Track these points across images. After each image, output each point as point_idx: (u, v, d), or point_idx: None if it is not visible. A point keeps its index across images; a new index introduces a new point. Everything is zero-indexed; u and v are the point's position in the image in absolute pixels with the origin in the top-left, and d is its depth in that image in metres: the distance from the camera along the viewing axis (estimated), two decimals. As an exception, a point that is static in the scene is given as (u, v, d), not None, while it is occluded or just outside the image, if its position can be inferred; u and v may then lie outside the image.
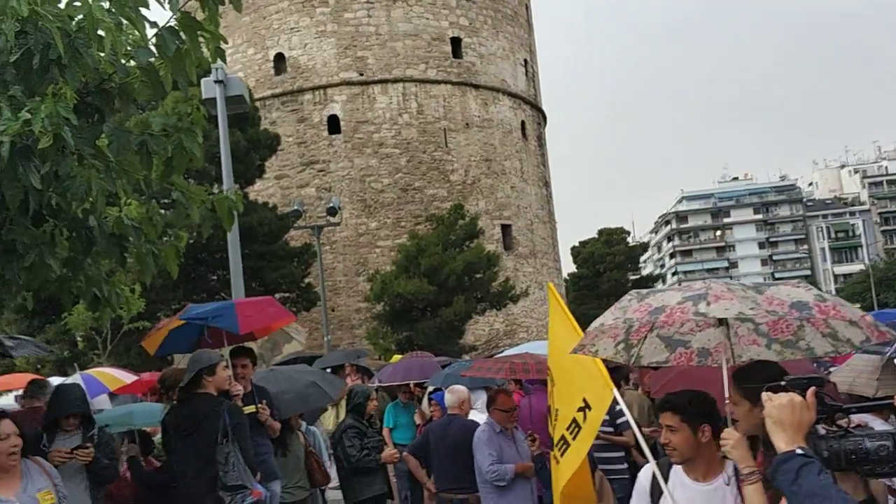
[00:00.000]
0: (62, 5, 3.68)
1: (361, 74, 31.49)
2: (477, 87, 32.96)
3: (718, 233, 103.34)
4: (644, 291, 3.33)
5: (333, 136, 31.35)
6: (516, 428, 6.05)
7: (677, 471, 3.14)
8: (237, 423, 5.08)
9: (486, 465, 5.69)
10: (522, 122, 35.19)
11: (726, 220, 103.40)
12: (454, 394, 6.62)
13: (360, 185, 31.08)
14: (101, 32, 3.59)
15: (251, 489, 5.00)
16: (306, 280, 25.08)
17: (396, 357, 15.23)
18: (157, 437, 6.49)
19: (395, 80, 31.57)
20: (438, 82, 32.13)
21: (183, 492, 5.13)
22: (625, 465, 6.49)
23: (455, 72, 32.60)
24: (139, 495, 6.10)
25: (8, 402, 10.01)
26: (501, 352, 13.35)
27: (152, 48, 3.84)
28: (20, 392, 7.83)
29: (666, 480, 3.13)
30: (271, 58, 32.33)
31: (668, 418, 3.07)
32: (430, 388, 9.11)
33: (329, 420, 9.16)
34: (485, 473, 5.72)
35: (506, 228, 33.14)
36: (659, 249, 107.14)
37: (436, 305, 24.11)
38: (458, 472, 6.17)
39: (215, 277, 22.55)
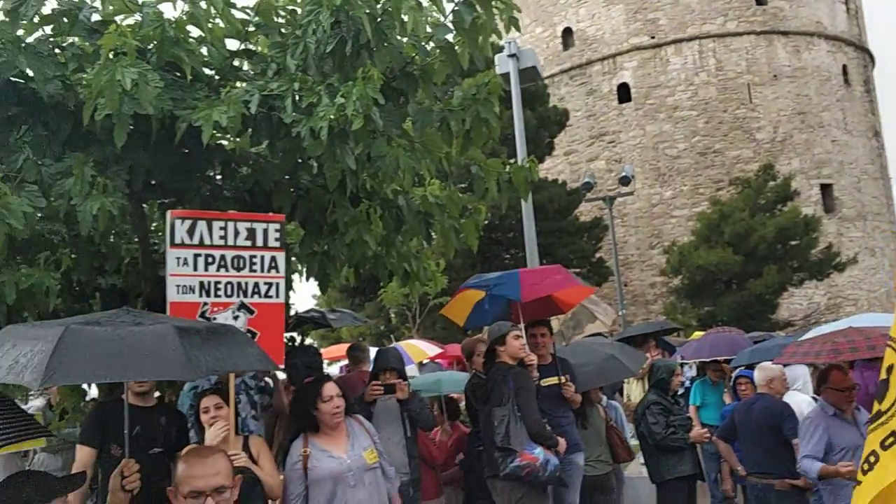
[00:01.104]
0: (368, -10, 3.91)
1: (653, 37, 30.20)
2: (786, 33, 29.74)
3: None
4: None
5: (623, 105, 30.56)
6: (858, 409, 5.28)
7: None
8: (520, 388, 5.11)
9: (800, 455, 5.11)
10: (844, 67, 31.03)
11: None
12: (763, 371, 6.25)
13: (653, 153, 29.92)
14: (403, 15, 3.75)
15: (521, 452, 4.98)
16: (597, 255, 24.81)
17: (697, 333, 14.36)
18: (463, 404, 6.88)
19: (690, 39, 29.75)
20: (740, 34, 29.60)
21: (485, 456, 5.27)
22: None
23: (759, 20, 29.76)
24: (448, 456, 6.48)
25: (335, 371, 11.36)
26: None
27: (449, 24, 3.92)
28: (345, 363, 8.69)
29: None
30: (559, 33, 32.40)
31: None
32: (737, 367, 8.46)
33: (635, 394, 8.91)
34: (798, 464, 5.14)
35: (826, 188, 29.56)
36: None
37: (742, 277, 22.30)
38: (762, 455, 5.77)
39: (508, 256, 23.28)
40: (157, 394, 5.08)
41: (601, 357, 6.90)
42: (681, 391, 7.56)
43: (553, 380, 5.73)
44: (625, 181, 22.92)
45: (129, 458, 2.94)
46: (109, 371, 2.66)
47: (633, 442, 7.65)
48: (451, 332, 16.00)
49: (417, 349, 10.72)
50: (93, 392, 7.36)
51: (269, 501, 4.20)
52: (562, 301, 6.47)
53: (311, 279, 5.93)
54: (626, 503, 7.61)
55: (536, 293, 5.86)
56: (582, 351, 6.90)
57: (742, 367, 7.76)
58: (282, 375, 5.89)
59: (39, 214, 4.15)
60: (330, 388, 4.24)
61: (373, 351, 6.69)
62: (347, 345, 7.90)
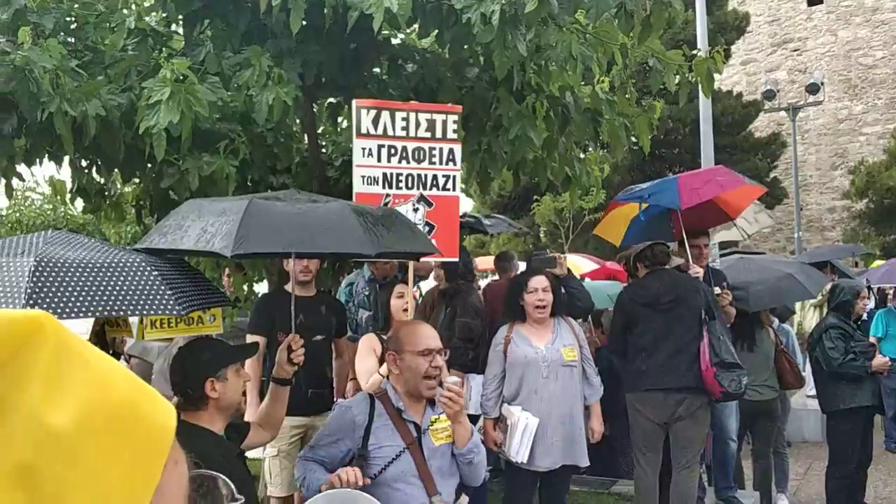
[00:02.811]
0: None
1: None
2: None
3: None
4: None
5: (814, 9, 27.55)
6: None
7: None
8: (711, 303, 4.83)
9: None
10: None
11: None
12: None
13: (845, 63, 26.96)
14: None
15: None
16: (772, 174, 23.06)
17: (877, 263, 13.01)
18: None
19: (899, -71, 26.14)
20: (962, -77, 25.64)
21: (657, 367, 4.89)
22: None
23: None
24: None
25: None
26: None
27: None
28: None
29: None
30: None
31: None
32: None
33: (809, 321, 8.31)
34: None
35: None
36: None
37: (938, 203, 20.11)
38: None
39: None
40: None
41: (777, 276, 6.39)
42: (864, 316, 6.90)
43: None
44: (813, 88, 20.82)
45: (295, 334, 3.08)
46: (297, 241, 2.73)
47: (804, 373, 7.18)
48: (602, 253, 15.59)
49: (573, 263, 10.53)
50: (262, 287, 7.84)
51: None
52: (728, 204, 5.80)
53: (468, 190, 5.87)
54: (790, 433, 7.22)
55: (699, 198, 5.21)
56: (756, 268, 6.45)
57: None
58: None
59: (218, 115, 4.34)
60: (536, 282, 4.37)
61: (522, 265, 6.60)
62: (492, 257, 7.87)
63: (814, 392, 6.48)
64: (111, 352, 8.20)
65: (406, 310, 4.25)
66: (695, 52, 4.85)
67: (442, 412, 2.89)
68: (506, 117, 4.68)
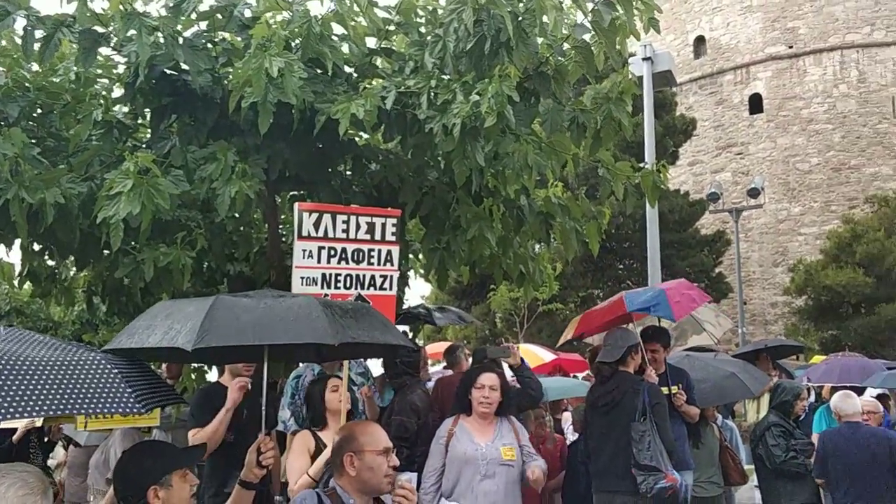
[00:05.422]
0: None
1: (790, 47, 28.73)
2: (940, 44, 27.65)
3: None
4: None
5: (755, 116, 29.21)
6: None
7: None
8: (657, 403, 4.95)
9: None
10: None
11: None
12: (851, 399, 5.89)
13: (783, 167, 28.44)
14: (544, 16, 3.76)
15: (665, 473, 4.80)
16: (717, 270, 23.84)
17: (817, 358, 13.47)
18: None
19: (832, 49, 28.09)
20: (887, 45, 27.71)
21: (599, 468, 5.11)
22: None
23: (910, 30, 27.80)
24: (554, 466, 6.39)
25: (436, 369, 11.34)
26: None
27: (587, 24, 3.89)
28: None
29: None
30: (691, 42, 31.42)
31: None
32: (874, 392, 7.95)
33: (751, 415, 8.49)
34: None
35: (977, 210, 27.26)
36: None
37: (872, 301, 20.86)
38: (868, 485, 5.51)
39: (622, 266, 22.76)
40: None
41: (721, 374, 6.60)
42: (801, 416, 7.11)
43: (663, 390, 5.54)
44: (754, 193, 21.88)
45: (265, 434, 3.06)
46: (258, 334, 2.76)
47: (747, 466, 7.30)
48: (556, 341, 15.79)
49: (532, 354, 10.60)
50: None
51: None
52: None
53: (427, 277, 6.01)
54: (737, 528, 7.28)
55: (684, 310, 5.67)
56: (700, 366, 6.63)
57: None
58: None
59: (179, 202, 4.41)
60: (486, 378, 4.40)
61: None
62: (447, 343, 7.89)
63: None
64: (46, 439, 7.91)
65: (342, 401, 4.22)
66: (642, 164, 5.14)
67: None
68: (464, 218, 4.86)
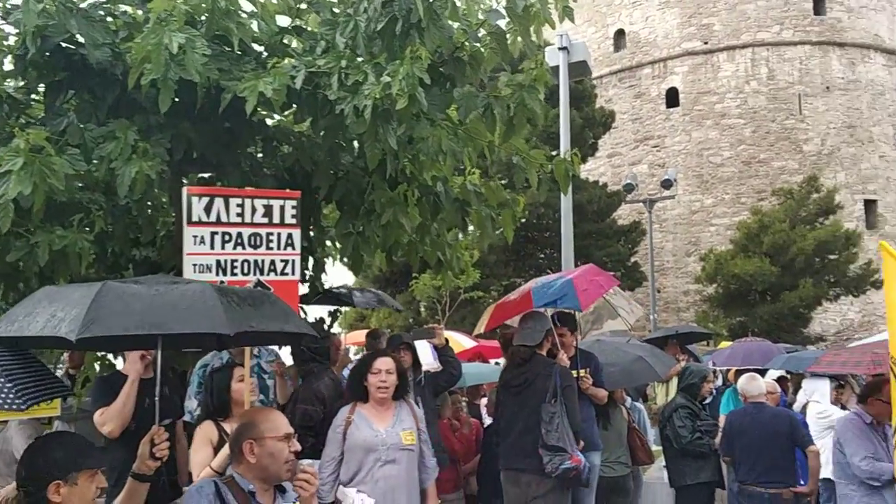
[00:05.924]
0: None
1: (706, 43, 29.72)
2: (842, 45, 29.06)
3: None
4: None
5: (671, 110, 30.13)
6: (889, 424, 5.15)
7: None
8: (567, 386, 5.04)
9: (859, 458, 4.97)
10: (900, 82, 30.29)
11: None
12: (756, 381, 6.13)
13: (697, 160, 29.46)
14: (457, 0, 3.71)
15: (571, 454, 4.91)
16: (632, 259, 24.54)
17: (724, 343, 14.06)
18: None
19: (744, 46, 29.21)
20: (795, 44, 28.98)
21: (507, 446, 5.20)
22: None
23: (816, 30, 29.11)
24: (469, 449, 6.44)
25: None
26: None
27: (502, 10, 3.87)
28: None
29: None
30: (611, 35, 32.08)
31: None
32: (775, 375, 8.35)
33: (660, 397, 8.77)
34: (856, 467, 4.99)
35: (870, 204, 28.86)
36: None
37: (777, 289, 21.89)
38: (769, 464, 5.73)
39: (543, 255, 23.13)
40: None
41: (629, 358, 6.79)
42: (708, 399, 7.40)
43: (573, 373, 5.64)
44: (667, 184, 22.62)
45: (158, 426, 2.93)
46: (148, 323, 2.61)
47: (655, 447, 7.53)
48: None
49: (454, 340, 10.62)
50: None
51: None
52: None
53: (342, 262, 5.92)
54: (644, 507, 7.51)
55: (591, 298, 5.77)
56: (609, 350, 6.79)
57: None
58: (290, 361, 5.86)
59: (80, 184, 4.17)
60: (381, 363, 4.30)
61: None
62: (371, 329, 7.84)
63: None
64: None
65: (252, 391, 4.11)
66: (554, 153, 5.18)
67: (295, 499, 2.85)
68: (378, 203, 4.78)
